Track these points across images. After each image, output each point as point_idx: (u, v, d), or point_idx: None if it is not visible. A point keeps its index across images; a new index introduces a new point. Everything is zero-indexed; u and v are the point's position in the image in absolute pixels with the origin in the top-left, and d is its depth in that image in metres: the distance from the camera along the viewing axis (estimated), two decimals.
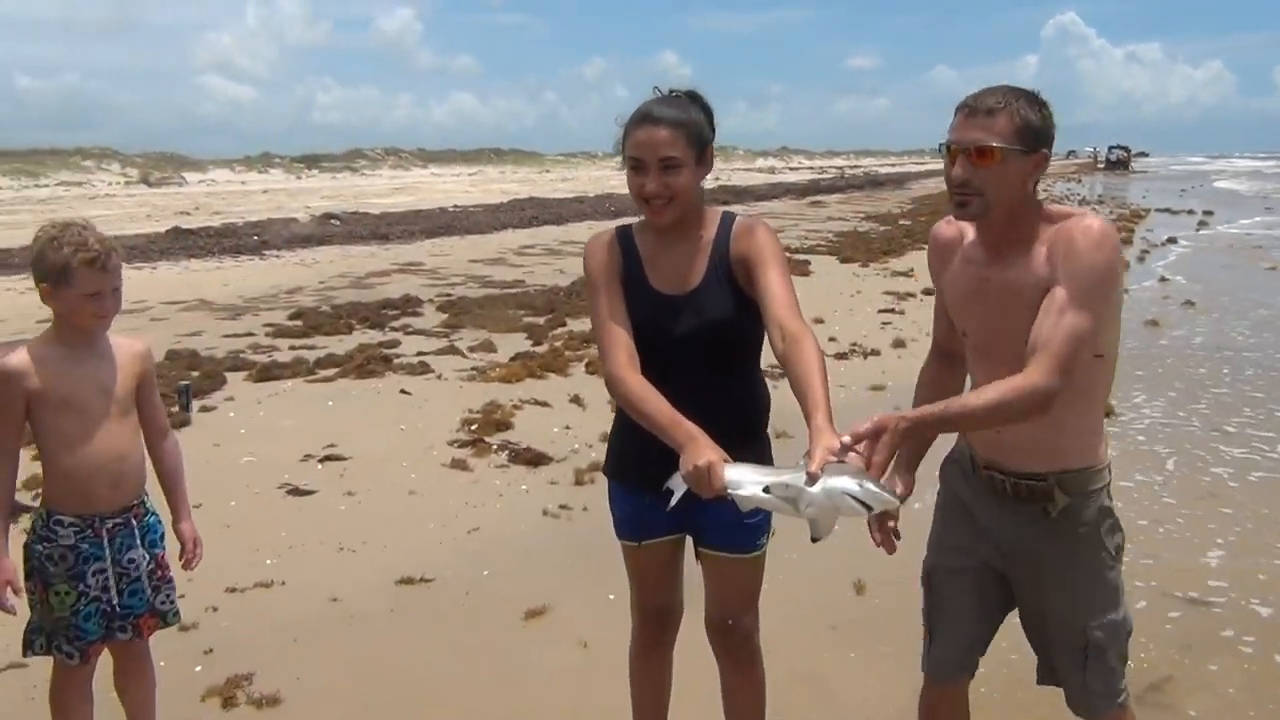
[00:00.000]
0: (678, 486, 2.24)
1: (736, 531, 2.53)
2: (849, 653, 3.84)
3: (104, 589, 2.73)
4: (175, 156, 64.45)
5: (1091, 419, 2.31)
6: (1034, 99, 2.19)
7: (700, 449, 2.11)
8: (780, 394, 2.45)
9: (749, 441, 2.54)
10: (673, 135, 2.35)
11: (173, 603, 2.95)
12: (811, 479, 1.97)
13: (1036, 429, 2.16)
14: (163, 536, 2.95)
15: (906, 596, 4.24)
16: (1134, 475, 5.73)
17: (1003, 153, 2.13)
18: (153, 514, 2.92)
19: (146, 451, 2.90)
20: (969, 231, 2.33)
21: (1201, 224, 24.85)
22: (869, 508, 1.97)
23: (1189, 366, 8.85)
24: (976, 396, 2.16)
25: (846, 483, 1.97)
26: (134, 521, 2.81)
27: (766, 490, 2.05)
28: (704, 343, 2.45)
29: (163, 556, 2.92)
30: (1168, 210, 29.49)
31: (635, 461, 2.55)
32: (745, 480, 2.09)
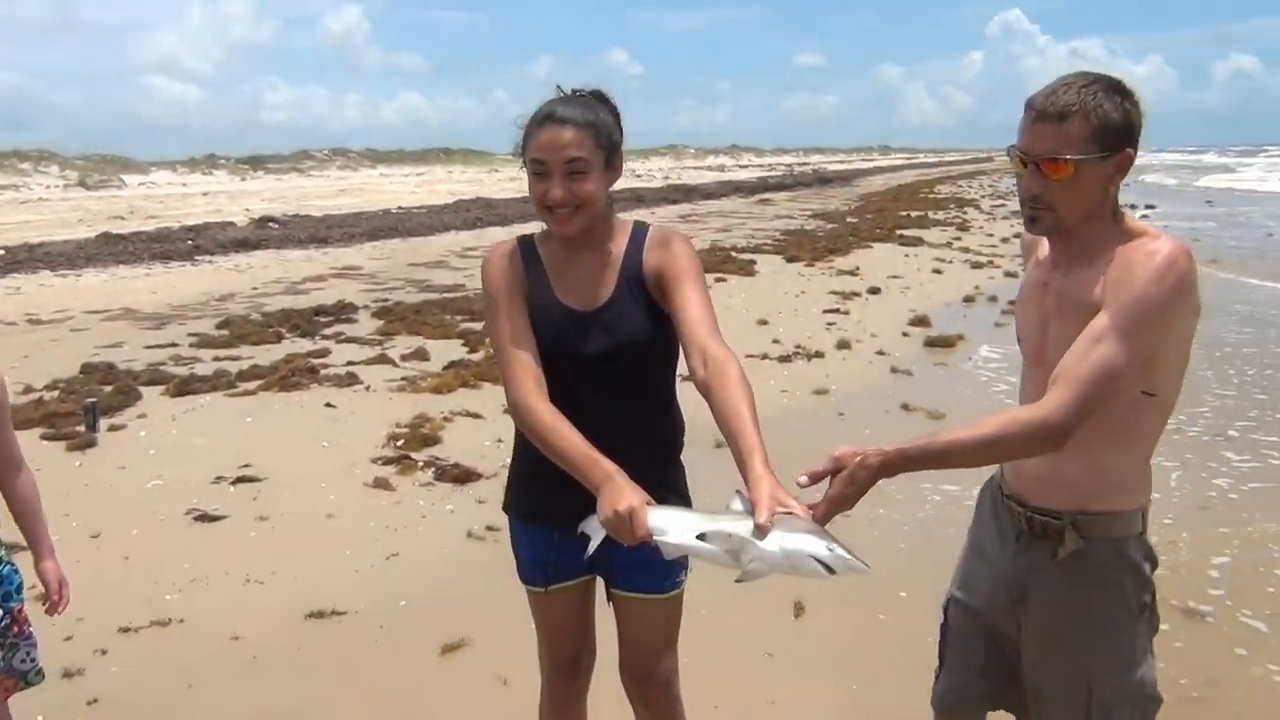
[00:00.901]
0: (594, 532, 2.01)
1: (652, 571, 2.30)
2: (789, 683, 3.63)
3: None
4: (117, 159, 63.00)
5: (1130, 461, 2.02)
6: (1113, 89, 1.91)
7: (619, 491, 1.88)
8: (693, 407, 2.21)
9: (665, 467, 2.34)
10: (579, 136, 2.12)
11: (34, 660, 2.65)
12: (761, 532, 1.74)
13: (1063, 461, 1.93)
14: (20, 588, 2.64)
15: (852, 618, 4.12)
16: None
17: (1078, 164, 1.89)
18: (7, 564, 2.61)
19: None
20: None
21: (1143, 218, 25.13)
22: (832, 571, 1.75)
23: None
24: (970, 429, 1.91)
25: (812, 544, 1.75)
26: None
27: (701, 538, 1.82)
28: (616, 362, 2.22)
29: (19, 610, 2.62)
30: None
31: (540, 496, 2.32)
32: (673, 526, 1.86)
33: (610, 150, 2.19)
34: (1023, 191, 1.99)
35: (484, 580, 4.36)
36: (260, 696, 3.52)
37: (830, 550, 1.74)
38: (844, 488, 1.87)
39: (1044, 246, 2.11)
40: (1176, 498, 5.42)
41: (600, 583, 2.44)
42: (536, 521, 2.37)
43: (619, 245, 2.26)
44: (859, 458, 1.87)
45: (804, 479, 1.87)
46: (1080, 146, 1.89)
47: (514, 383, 2.16)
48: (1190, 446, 6.33)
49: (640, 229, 2.30)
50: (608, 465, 1.95)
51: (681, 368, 2.20)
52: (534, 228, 2.40)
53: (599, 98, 2.23)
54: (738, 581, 1.82)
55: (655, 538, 1.86)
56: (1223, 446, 6.41)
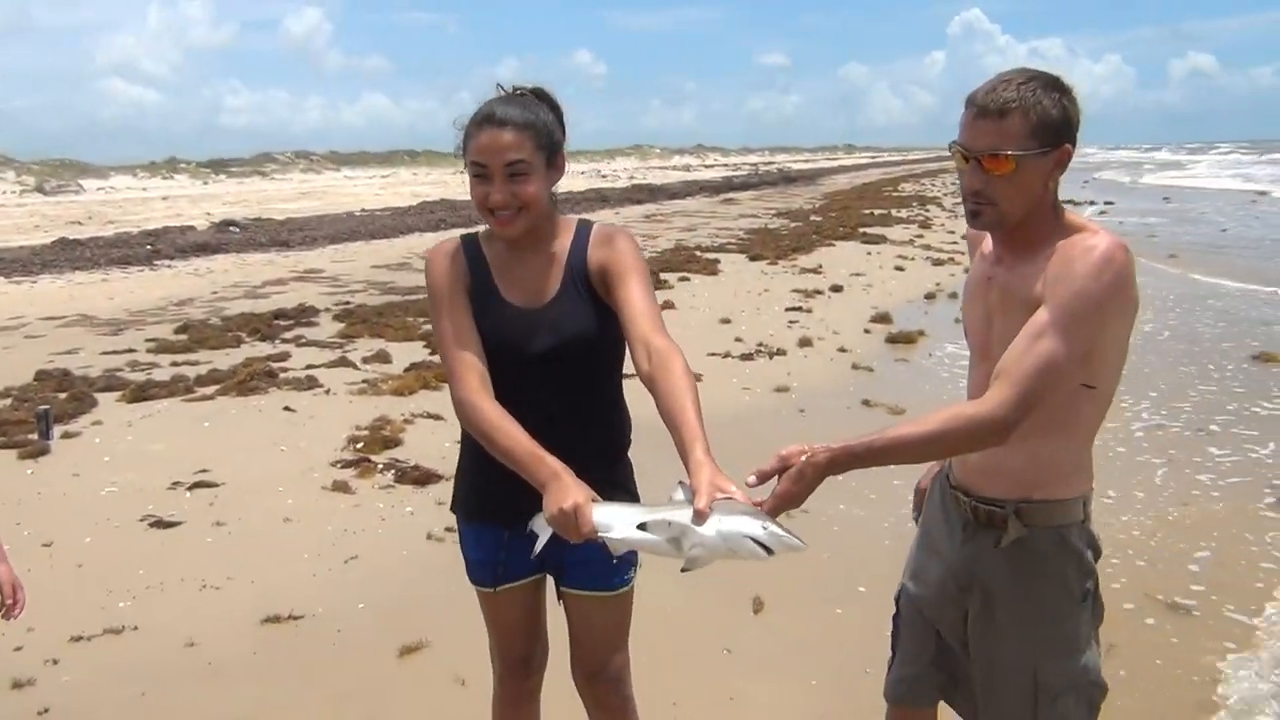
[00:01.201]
0: (541, 530, 2.01)
1: (601, 568, 2.32)
2: (748, 678, 3.64)
3: None
4: (75, 163, 62.03)
5: (1071, 452, 2.06)
6: (1052, 85, 1.94)
7: (565, 489, 1.88)
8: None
9: (613, 464, 2.34)
10: (519, 138, 2.11)
11: None
12: (700, 517, 1.75)
13: (1006, 451, 1.96)
14: None
15: (811, 612, 4.15)
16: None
17: (1019, 160, 1.91)
18: None
19: None
20: None
21: (1101, 214, 25.46)
22: (770, 551, 1.77)
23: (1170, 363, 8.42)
24: (915, 425, 1.93)
25: (747, 524, 1.76)
26: None
27: (643, 527, 1.83)
28: (562, 360, 2.22)
29: None
30: (1070, 201, 30.11)
31: (488, 496, 2.31)
32: (616, 521, 1.87)
33: (551, 150, 2.18)
34: (964, 187, 2.01)
35: (443, 581, 4.33)
36: (216, 703, 3.49)
37: (765, 529, 1.76)
38: (791, 485, 1.89)
39: (988, 241, 2.14)
40: (1163, 497, 5.49)
41: (551, 581, 2.44)
42: (485, 521, 2.37)
43: (563, 243, 2.26)
44: (806, 455, 1.89)
45: (752, 478, 1.88)
46: (1020, 142, 1.91)
47: (459, 382, 2.15)
48: (1174, 442, 6.43)
49: (584, 227, 2.30)
50: (554, 463, 1.95)
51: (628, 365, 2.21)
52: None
53: (540, 96, 2.22)
54: (683, 571, 1.83)
55: (600, 534, 1.87)
56: (1205, 441, 6.48)
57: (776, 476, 1.91)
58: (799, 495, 1.89)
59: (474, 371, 2.15)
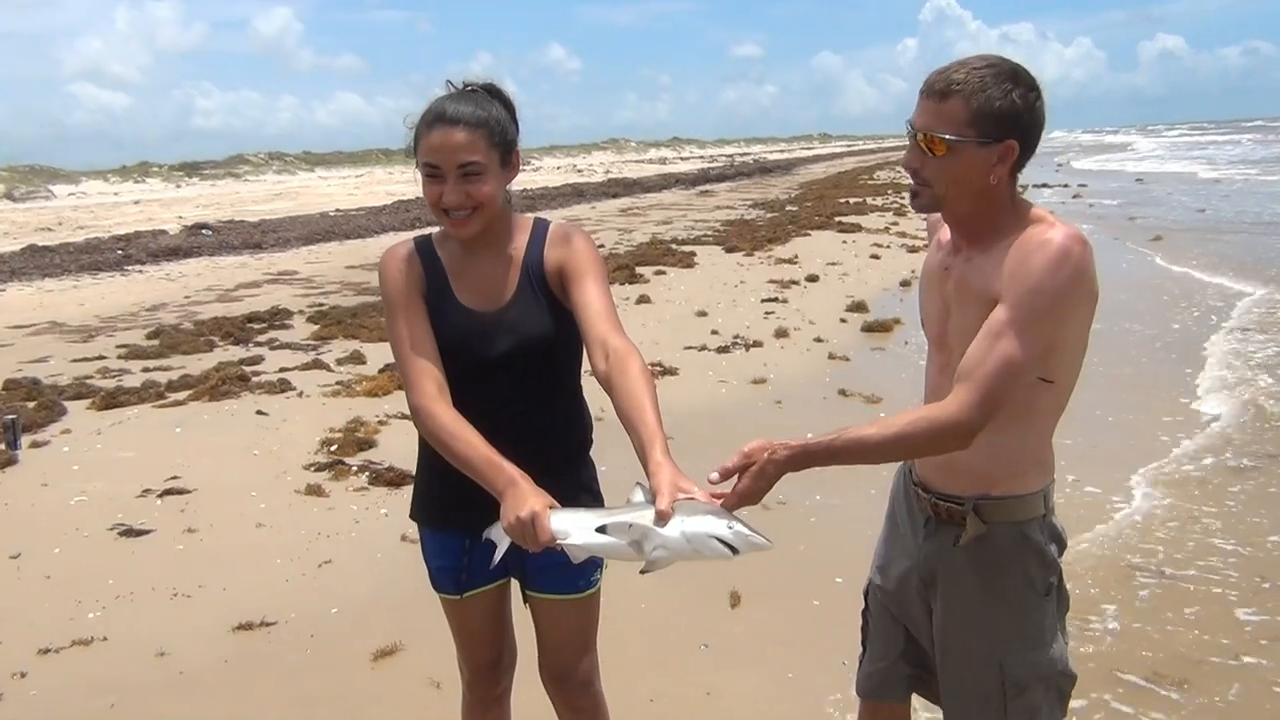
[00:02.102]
0: (500, 539, 1.99)
1: (566, 572, 2.28)
2: (725, 673, 3.62)
3: None
4: (45, 169, 61.35)
5: (1029, 446, 2.04)
6: (1006, 77, 1.88)
7: (522, 497, 1.86)
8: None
9: (576, 466, 2.32)
10: (471, 137, 2.07)
11: None
12: (662, 518, 1.73)
13: (964, 450, 1.95)
14: None
15: (787, 607, 4.12)
16: None
17: (951, 144, 1.88)
18: None
19: None
20: None
21: (1075, 198, 25.58)
22: (736, 551, 1.75)
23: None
24: (878, 426, 1.91)
25: (712, 524, 1.75)
26: None
27: (603, 530, 1.80)
28: (520, 363, 2.19)
29: None
30: (1044, 185, 30.22)
31: (449, 503, 2.28)
32: (575, 527, 1.85)
33: (505, 148, 2.15)
34: (905, 165, 1.99)
35: (417, 584, 4.24)
36: (187, 713, 3.45)
37: (731, 529, 1.74)
38: (752, 482, 1.88)
39: (946, 230, 2.12)
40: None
41: (516, 585, 2.41)
42: (447, 529, 2.34)
43: (519, 244, 2.23)
44: (767, 452, 1.88)
45: (714, 475, 1.87)
46: (957, 128, 1.88)
47: (414, 389, 2.12)
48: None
49: (541, 226, 2.26)
50: (511, 470, 1.93)
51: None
52: None
53: (491, 92, 2.18)
54: (642, 573, 1.81)
55: (559, 542, 1.84)
56: None
57: (738, 474, 1.89)
58: (757, 493, 1.88)
59: (429, 378, 2.12)
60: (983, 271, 1.95)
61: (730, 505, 1.84)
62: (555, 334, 2.19)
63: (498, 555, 2.01)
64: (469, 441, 2.01)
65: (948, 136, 1.88)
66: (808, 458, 1.89)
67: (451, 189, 2.08)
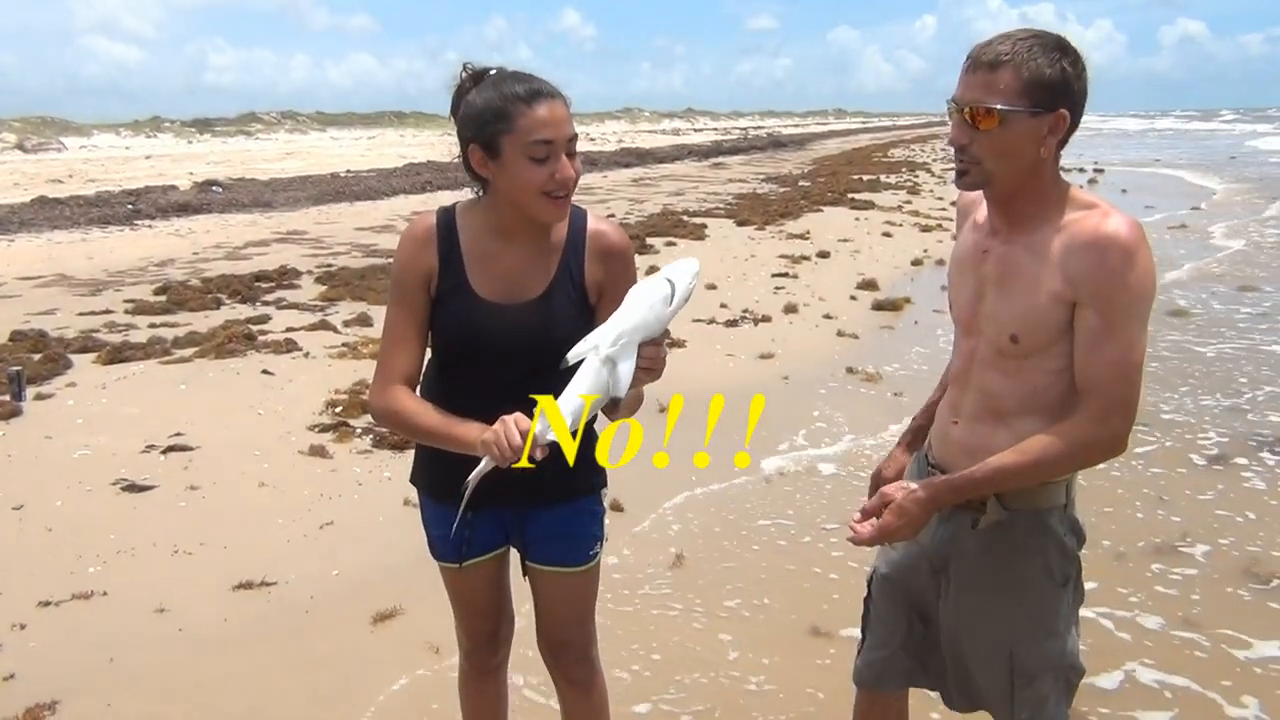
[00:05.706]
0: (474, 476, 1.95)
1: (566, 543, 2.28)
2: (728, 643, 3.61)
3: None
4: (56, 120, 61.31)
5: None
6: (1053, 46, 1.86)
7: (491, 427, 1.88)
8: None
9: (579, 467, 2.19)
10: (568, 110, 2.01)
11: None
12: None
13: (989, 431, 1.97)
14: None
15: (789, 582, 4.09)
16: None
17: (1004, 115, 1.84)
18: None
19: None
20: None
21: (1092, 181, 25.40)
22: (673, 285, 1.92)
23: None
24: (1015, 454, 1.90)
25: (647, 285, 1.93)
26: None
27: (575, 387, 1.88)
28: (539, 359, 2.04)
29: None
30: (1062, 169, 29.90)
31: (448, 473, 2.22)
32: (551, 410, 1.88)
33: None
34: (952, 142, 1.94)
35: (418, 548, 4.25)
36: (185, 669, 3.44)
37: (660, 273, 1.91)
38: (894, 519, 1.95)
39: (981, 211, 2.07)
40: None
41: (516, 557, 2.38)
42: (446, 498, 2.30)
43: (557, 236, 2.13)
44: (904, 492, 1.94)
45: (857, 514, 1.99)
46: (1009, 98, 1.84)
47: (376, 387, 2.13)
48: None
49: (579, 218, 2.16)
50: (472, 424, 1.97)
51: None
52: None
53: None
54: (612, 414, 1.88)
55: (546, 438, 1.85)
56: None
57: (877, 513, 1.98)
58: (902, 529, 1.95)
59: (396, 376, 2.11)
60: (1033, 253, 1.91)
61: (870, 537, 1.97)
62: (579, 335, 2.03)
63: (475, 474, 1.94)
64: (427, 415, 2.06)
65: (1000, 106, 1.84)
66: (952, 491, 1.95)
67: (568, 163, 2.00)
